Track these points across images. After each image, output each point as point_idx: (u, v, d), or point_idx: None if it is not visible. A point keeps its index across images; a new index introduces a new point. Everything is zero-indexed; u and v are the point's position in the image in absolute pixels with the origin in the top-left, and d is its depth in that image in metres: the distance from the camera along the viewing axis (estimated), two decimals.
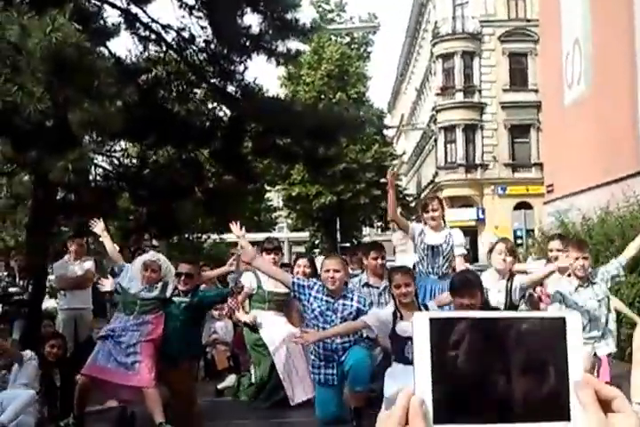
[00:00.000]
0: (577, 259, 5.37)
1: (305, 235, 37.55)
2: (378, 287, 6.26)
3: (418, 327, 0.70)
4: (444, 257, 6.11)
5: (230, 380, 7.14)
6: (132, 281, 5.83)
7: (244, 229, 6.32)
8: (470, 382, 0.68)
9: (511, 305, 5.31)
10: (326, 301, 5.60)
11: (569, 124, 18.33)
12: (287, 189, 35.02)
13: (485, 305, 4.78)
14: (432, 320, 0.69)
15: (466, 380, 0.68)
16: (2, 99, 5.78)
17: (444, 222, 6.41)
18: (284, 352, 6.38)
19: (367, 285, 6.32)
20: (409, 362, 4.79)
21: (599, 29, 16.50)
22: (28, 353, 5.87)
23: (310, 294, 5.63)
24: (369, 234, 56.94)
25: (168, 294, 5.85)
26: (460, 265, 6.17)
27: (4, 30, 5.89)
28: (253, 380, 6.67)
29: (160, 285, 5.83)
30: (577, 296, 5.43)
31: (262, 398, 6.52)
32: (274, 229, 38.72)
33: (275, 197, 41.34)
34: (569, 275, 5.52)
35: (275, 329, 6.55)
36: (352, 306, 5.59)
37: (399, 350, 4.97)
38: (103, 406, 6.28)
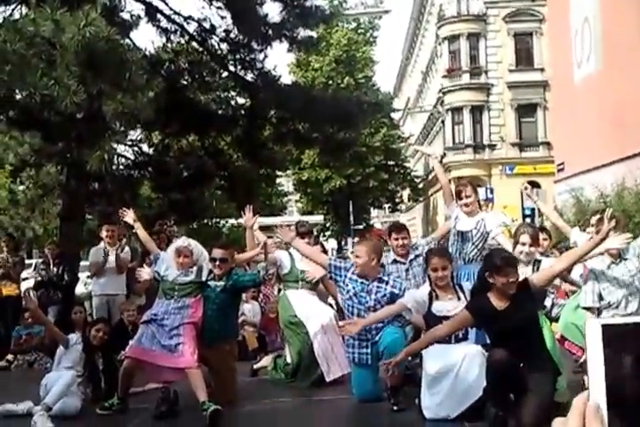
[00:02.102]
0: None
1: (315, 218, 37.69)
2: (404, 263, 6.43)
3: (590, 334, 0.68)
4: (472, 243, 6.13)
5: (266, 360, 7.30)
6: (169, 269, 5.99)
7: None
8: None
9: None
10: (361, 282, 5.78)
11: (579, 102, 18.30)
12: (297, 174, 35.16)
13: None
14: (604, 327, 0.68)
15: None
16: (40, 92, 5.96)
17: (480, 207, 6.44)
18: (319, 329, 6.52)
19: (395, 261, 6.48)
20: (445, 341, 4.96)
21: (609, 7, 16.48)
22: (73, 337, 6.05)
23: (346, 276, 5.80)
24: (377, 216, 57.20)
25: (204, 277, 6.01)
26: (506, 244, 5.95)
27: (39, 26, 6.05)
28: (289, 359, 6.81)
29: (195, 269, 5.99)
30: (610, 274, 5.38)
31: (300, 377, 6.66)
32: (284, 213, 38.87)
33: (285, 181, 41.45)
34: (601, 253, 5.41)
35: (310, 306, 6.70)
36: (386, 289, 5.75)
37: None
38: (143, 388, 6.46)
